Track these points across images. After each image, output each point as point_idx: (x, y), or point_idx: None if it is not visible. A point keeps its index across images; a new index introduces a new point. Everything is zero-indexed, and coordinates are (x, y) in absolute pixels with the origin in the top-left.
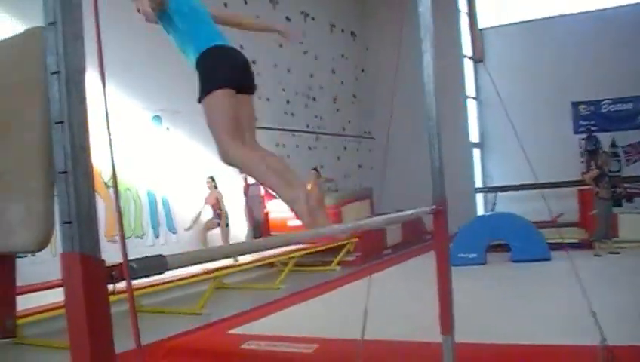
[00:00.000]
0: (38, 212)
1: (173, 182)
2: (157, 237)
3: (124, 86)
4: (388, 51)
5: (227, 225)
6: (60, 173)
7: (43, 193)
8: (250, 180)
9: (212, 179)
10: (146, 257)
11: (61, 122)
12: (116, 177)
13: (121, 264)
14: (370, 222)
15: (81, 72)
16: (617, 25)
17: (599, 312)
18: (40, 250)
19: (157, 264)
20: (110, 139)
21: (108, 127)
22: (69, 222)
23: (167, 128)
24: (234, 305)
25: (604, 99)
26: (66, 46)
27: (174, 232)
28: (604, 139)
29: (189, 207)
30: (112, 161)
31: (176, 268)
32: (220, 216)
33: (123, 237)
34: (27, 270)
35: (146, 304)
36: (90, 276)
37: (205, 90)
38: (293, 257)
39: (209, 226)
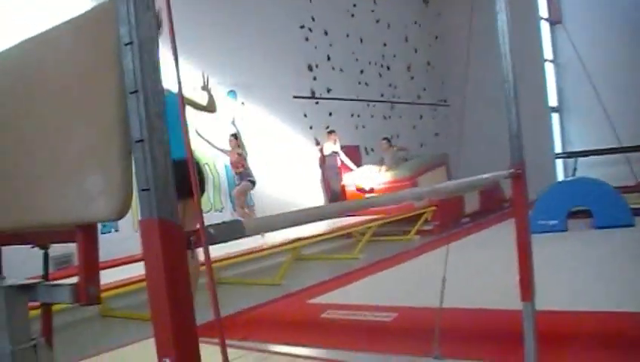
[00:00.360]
0: (116, 181)
1: (249, 155)
2: (235, 210)
3: (197, 61)
4: (461, 17)
5: (252, 183)
6: (136, 141)
7: (121, 162)
8: (327, 151)
9: (235, 136)
10: (223, 223)
11: (135, 91)
12: (189, 141)
13: (198, 230)
14: (442, 186)
15: (153, 41)
16: None
17: None
18: (120, 217)
19: (234, 229)
20: (185, 118)
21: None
22: (147, 189)
23: (243, 103)
24: (313, 275)
25: None
26: (137, 16)
27: (252, 204)
28: None
29: (265, 178)
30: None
31: (253, 233)
32: (242, 177)
33: (199, 201)
34: (113, 246)
35: (226, 275)
36: (168, 240)
37: None
38: (370, 227)
39: (241, 192)
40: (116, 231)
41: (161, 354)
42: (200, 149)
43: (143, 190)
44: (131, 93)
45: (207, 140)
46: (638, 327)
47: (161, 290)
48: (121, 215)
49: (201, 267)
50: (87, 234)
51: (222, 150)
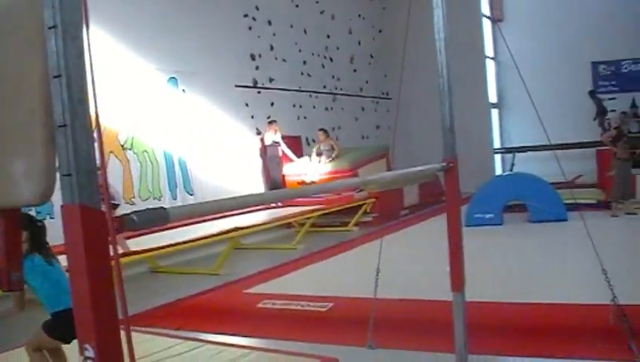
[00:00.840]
0: (39, 165)
1: (189, 144)
2: (174, 199)
3: (138, 47)
4: (405, 11)
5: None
6: (59, 126)
7: (44, 146)
8: (268, 141)
9: None
10: (147, 209)
11: (59, 76)
12: (98, 118)
13: (123, 216)
14: (378, 178)
15: (78, 25)
16: None
17: (612, 272)
18: (43, 202)
19: (158, 216)
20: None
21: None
22: (69, 175)
23: (184, 90)
24: (251, 265)
25: (625, 60)
26: (62, 0)
27: (192, 194)
28: (625, 99)
29: (205, 168)
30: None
31: (178, 220)
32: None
33: (107, 185)
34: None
35: (164, 264)
36: (90, 226)
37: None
38: (310, 218)
39: None
40: (51, 218)
41: (82, 341)
42: (138, 137)
43: (65, 175)
44: (54, 77)
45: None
46: (566, 317)
47: (82, 276)
48: (43, 199)
49: (144, 253)
50: (9, 219)
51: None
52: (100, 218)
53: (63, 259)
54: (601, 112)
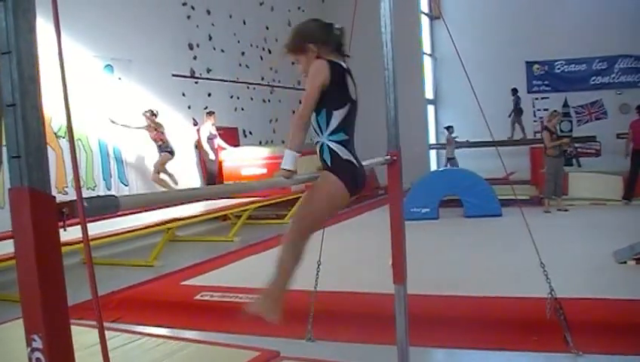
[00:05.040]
0: None
1: (124, 133)
2: (109, 189)
3: (73, 33)
4: (344, 4)
5: (172, 153)
6: (7, 105)
7: None
8: (205, 132)
9: (152, 112)
10: (98, 196)
11: (8, 52)
12: (69, 111)
13: (72, 201)
14: (310, 175)
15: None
16: None
17: (547, 266)
18: None
19: (109, 204)
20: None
21: (63, 73)
22: (18, 156)
23: (120, 78)
24: (187, 257)
25: (558, 60)
26: None
27: (126, 184)
28: (557, 99)
29: (140, 158)
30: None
31: (129, 208)
32: (161, 149)
33: (77, 168)
34: None
35: (97, 256)
36: (39, 211)
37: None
38: (247, 210)
39: (162, 162)
40: (1, 208)
41: (29, 331)
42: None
43: (13, 157)
44: (3, 53)
45: (123, 125)
46: (503, 310)
47: (31, 263)
48: None
49: (77, 244)
50: None
51: (139, 128)
52: (51, 202)
53: (10, 245)
54: (518, 112)
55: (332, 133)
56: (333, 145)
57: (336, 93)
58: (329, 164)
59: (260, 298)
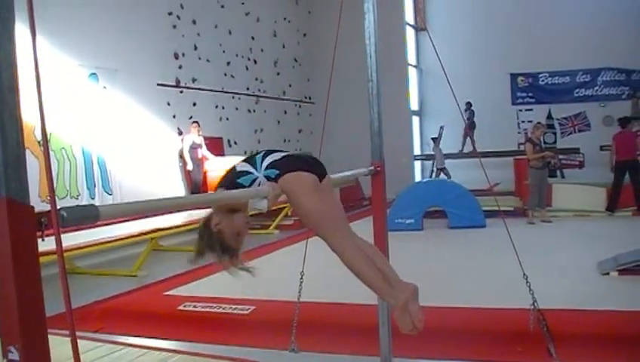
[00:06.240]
0: None
1: (109, 142)
2: (92, 198)
3: (58, 41)
4: (330, 16)
5: None
6: None
7: None
8: (189, 142)
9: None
10: (77, 206)
11: None
12: (44, 120)
13: (50, 211)
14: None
15: (9, 8)
16: (558, 0)
17: (531, 277)
18: None
19: (88, 213)
20: (39, 88)
21: (37, 77)
22: None
23: (105, 87)
24: (171, 267)
25: (542, 72)
26: None
27: (110, 194)
28: (541, 111)
29: (124, 167)
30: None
31: (108, 218)
32: None
33: (51, 179)
34: None
35: (80, 265)
36: (17, 221)
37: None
38: None
39: None
40: None
41: (6, 342)
42: (56, 134)
43: None
44: None
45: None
46: (487, 321)
47: (8, 273)
48: None
49: (51, 256)
50: None
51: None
52: (29, 213)
53: None
54: (471, 125)
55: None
56: (267, 162)
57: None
58: (278, 172)
59: (397, 319)
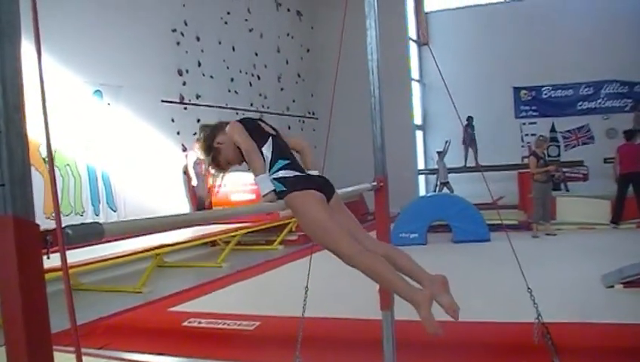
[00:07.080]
0: None
1: (113, 159)
2: (97, 214)
3: (63, 59)
4: (333, 31)
5: None
6: None
7: None
8: (193, 158)
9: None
10: (82, 224)
11: None
12: (49, 133)
13: (55, 229)
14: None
15: (15, 27)
16: (560, 13)
17: (535, 291)
18: None
19: (93, 231)
20: (45, 106)
21: (43, 94)
22: (2, 185)
23: (109, 103)
24: (175, 283)
25: (545, 85)
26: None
27: (115, 210)
28: (545, 124)
29: (129, 183)
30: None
31: (113, 235)
32: None
33: (56, 196)
34: None
35: (85, 281)
36: (23, 239)
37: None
38: (235, 236)
39: None
40: None
41: (12, 358)
42: (61, 150)
43: None
44: None
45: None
46: (491, 335)
47: (14, 293)
48: None
49: (57, 272)
50: None
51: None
52: (34, 230)
53: None
54: (472, 141)
55: (272, 165)
56: (279, 175)
57: (256, 136)
58: (285, 189)
59: (421, 319)
